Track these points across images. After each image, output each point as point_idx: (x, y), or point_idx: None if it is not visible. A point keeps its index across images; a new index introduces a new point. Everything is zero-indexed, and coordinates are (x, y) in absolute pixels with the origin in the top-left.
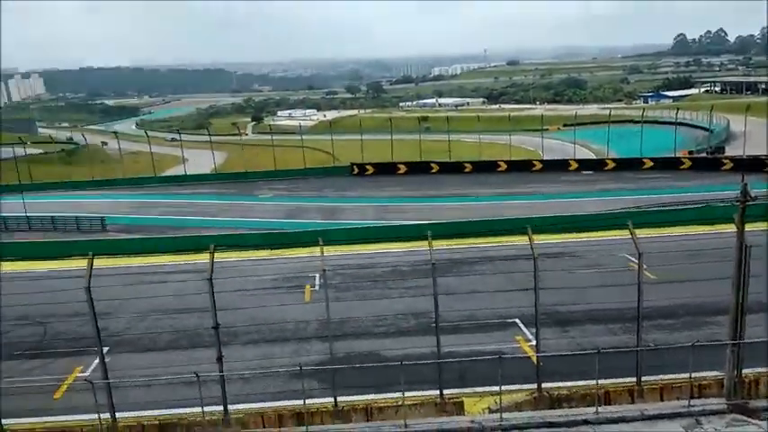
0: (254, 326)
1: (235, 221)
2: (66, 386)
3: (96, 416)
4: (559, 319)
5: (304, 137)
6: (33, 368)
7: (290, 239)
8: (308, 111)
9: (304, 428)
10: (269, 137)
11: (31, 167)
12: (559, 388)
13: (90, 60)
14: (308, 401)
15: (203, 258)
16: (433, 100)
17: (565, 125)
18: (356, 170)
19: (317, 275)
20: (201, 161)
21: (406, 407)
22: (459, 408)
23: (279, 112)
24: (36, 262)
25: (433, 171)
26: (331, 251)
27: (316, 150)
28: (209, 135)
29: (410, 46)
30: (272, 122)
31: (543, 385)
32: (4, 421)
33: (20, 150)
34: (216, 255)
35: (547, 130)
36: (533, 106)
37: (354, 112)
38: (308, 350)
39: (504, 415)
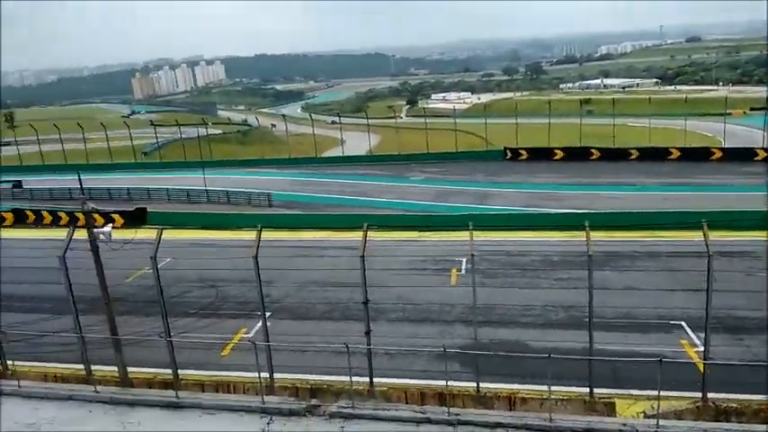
0: (400, 304)
1: (387, 202)
2: (232, 345)
3: (257, 374)
4: (733, 325)
5: (457, 120)
6: (205, 326)
7: (439, 222)
8: (462, 94)
9: (446, 409)
10: (422, 120)
11: (212, 146)
12: (728, 400)
13: (264, 48)
14: (450, 383)
15: (356, 236)
16: (598, 81)
17: (752, 109)
18: (509, 155)
19: (464, 260)
20: (358, 143)
21: (552, 401)
22: (610, 408)
23: (433, 96)
24: (212, 231)
25: (593, 157)
26: (480, 236)
27: (468, 134)
28: (366, 118)
29: (574, 23)
30: (426, 105)
31: (709, 395)
32: (179, 371)
33: (202, 131)
34: (368, 233)
35: (730, 114)
36: (715, 87)
37: (510, 94)
38: (451, 333)
39: (662, 422)
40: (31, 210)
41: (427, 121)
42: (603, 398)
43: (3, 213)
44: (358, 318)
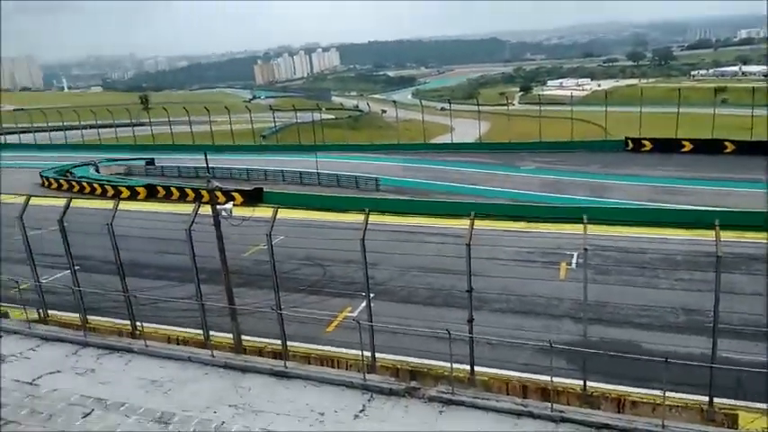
0: (504, 295)
1: (495, 191)
2: (336, 322)
3: (359, 352)
4: None
5: (575, 108)
6: (312, 302)
7: (550, 213)
8: (581, 80)
9: (548, 405)
10: (536, 107)
11: (325, 131)
12: None
13: (378, 34)
14: (554, 380)
15: (462, 224)
16: (735, 68)
17: None
18: (631, 145)
19: (576, 254)
20: (467, 130)
21: (666, 407)
22: (731, 420)
23: (549, 82)
24: (322, 212)
25: (727, 151)
26: (594, 230)
27: (586, 123)
28: (477, 105)
29: (711, 5)
30: (540, 92)
31: None
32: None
33: (316, 116)
34: (475, 222)
35: None
36: None
37: (634, 81)
38: (558, 328)
39: None
40: (161, 185)
41: (541, 108)
42: (725, 408)
43: (137, 188)
44: (460, 305)
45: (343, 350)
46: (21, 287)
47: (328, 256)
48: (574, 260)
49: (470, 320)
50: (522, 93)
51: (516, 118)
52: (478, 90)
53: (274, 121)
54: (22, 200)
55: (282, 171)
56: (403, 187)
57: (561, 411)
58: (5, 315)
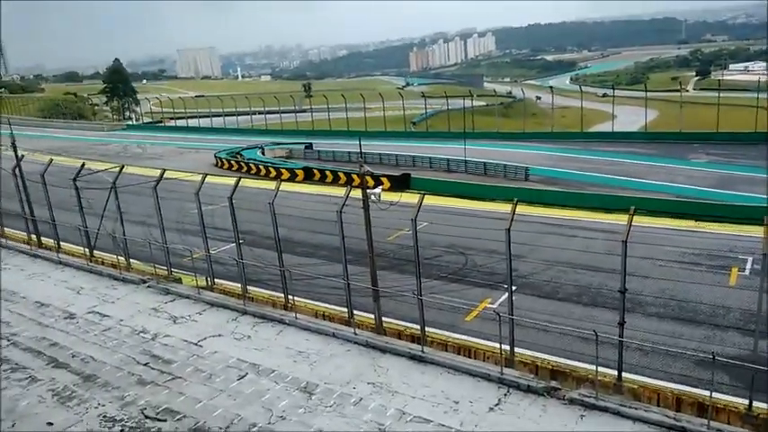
0: (662, 299)
1: (658, 185)
2: (476, 312)
3: (498, 345)
4: None
5: (761, 95)
6: (452, 290)
7: (722, 212)
8: None
9: (705, 422)
10: (715, 94)
11: (475, 118)
12: None
13: (538, 16)
14: (714, 395)
15: (616, 219)
16: None
17: None
18: None
19: (751, 259)
20: (631, 118)
21: None
22: None
23: (731, 66)
24: (467, 200)
25: None
26: None
27: None
28: (645, 90)
29: None
30: (721, 77)
31: None
32: (427, 328)
33: (467, 103)
34: (633, 218)
35: None
36: None
37: None
38: (722, 339)
39: None
40: (317, 169)
41: (721, 95)
42: None
43: (296, 170)
44: (610, 306)
45: (481, 341)
46: (193, 256)
47: (471, 244)
48: (748, 266)
49: (621, 323)
50: (698, 77)
51: (690, 105)
52: (647, 75)
53: (425, 108)
54: (199, 178)
55: (430, 158)
56: (554, 178)
57: (719, 430)
58: (179, 281)
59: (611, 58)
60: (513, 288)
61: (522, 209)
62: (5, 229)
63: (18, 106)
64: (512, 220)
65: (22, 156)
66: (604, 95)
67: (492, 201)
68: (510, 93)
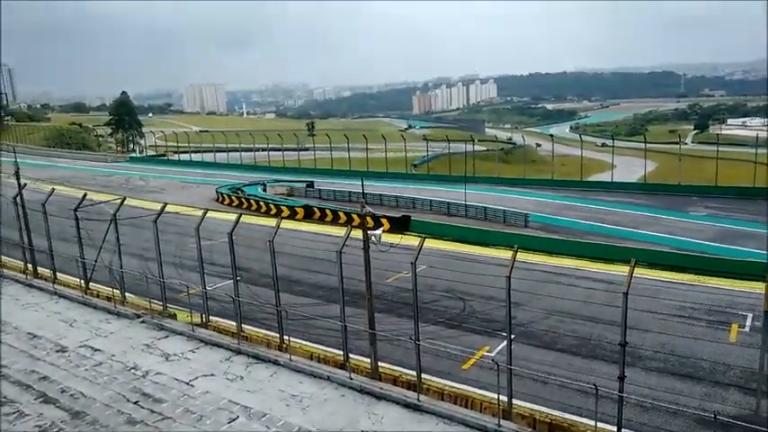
0: (661, 353)
1: (657, 237)
2: (473, 360)
3: (495, 395)
4: None
5: (760, 150)
6: (450, 336)
7: (722, 267)
8: None
9: None
10: (713, 147)
11: (476, 162)
12: None
13: (539, 66)
14: None
15: (616, 269)
16: None
17: None
18: None
19: (751, 315)
20: (630, 169)
21: None
22: None
23: (730, 120)
24: (467, 245)
25: None
26: None
27: None
28: (644, 142)
29: None
30: (719, 131)
31: None
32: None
33: (468, 147)
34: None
35: None
36: None
37: None
38: (723, 398)
39: None
40: (317, 207)
41: (720, 149)
42: None
43: (296, 208)
44: (609, 359)
45: (479, 390)
46: (189, 292)
47: (470, 290)
48: (748, 322)
49: (621, 377)
50: (696, 131)
51: (689, 158)
52: (646, 126)
53: (427, 151)
54: (199, 212)
55: (431, 200)
56: (554, 225)
57: None
58: (174, 317)
59: (610, 109)
60: (512, 336)
61: (521, 256)
62: (3, 257)
63: (24, 134)
64: (512, 266)
65: (25, 184)
66: (603, 145)
67: (492, 246)
68: (511, 139)
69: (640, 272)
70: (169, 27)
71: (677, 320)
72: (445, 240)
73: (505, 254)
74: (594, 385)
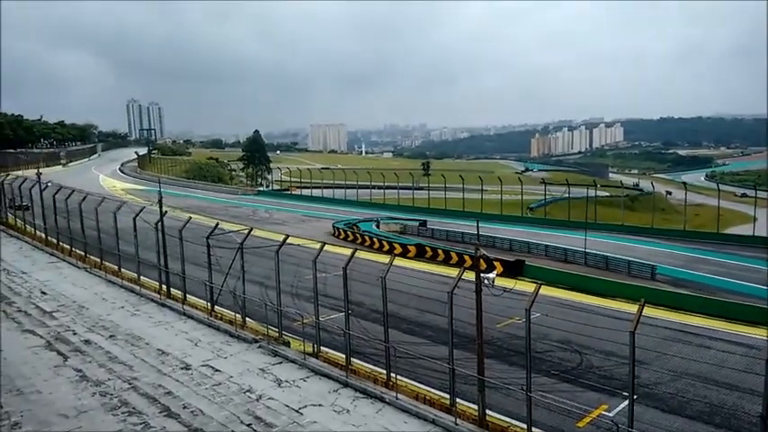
0: None
1: None
2: (589, 419)
3: None
4: None
5: None
6: (564, 390)
7: None
8: None
9: None
10: None
11: (597, 208)
12: None
13: (671, 110)
14: None
15: (756, 333)
16: None
17: None
18: None
19: None
20: None
21: None
22: None
23: None
24: (585, 295)
25: None
26: None
27: None
28: None
29: None
30: None
31: None
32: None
33: (590, 192)
34: None
35: None
36: None
37: None
38: None
39: None
40: (429, 246)
41: None
42: None
43: (409, 246)
44: (744, 430)
45: None
46: (303, 321)
47: (588, 343)
48: None
49: None
50: None
51: None
52: None
53: (545, 194)
54: (317, 245)
55: (546, 245)
56: (684, 280)
57: None
58: (288, 344)
59: (752, 157)
60: (635, 397)
61: (646, 310)
62: (142, 278)
63: (167, 167)
64: (637, 321)
65: (166, 211)
66: (744, 195)
67: (612, 298)
68: (637, 185)
69: None
70: (297, 69)
71: None
72: (561, 288)
73: (628, 307)
74: None
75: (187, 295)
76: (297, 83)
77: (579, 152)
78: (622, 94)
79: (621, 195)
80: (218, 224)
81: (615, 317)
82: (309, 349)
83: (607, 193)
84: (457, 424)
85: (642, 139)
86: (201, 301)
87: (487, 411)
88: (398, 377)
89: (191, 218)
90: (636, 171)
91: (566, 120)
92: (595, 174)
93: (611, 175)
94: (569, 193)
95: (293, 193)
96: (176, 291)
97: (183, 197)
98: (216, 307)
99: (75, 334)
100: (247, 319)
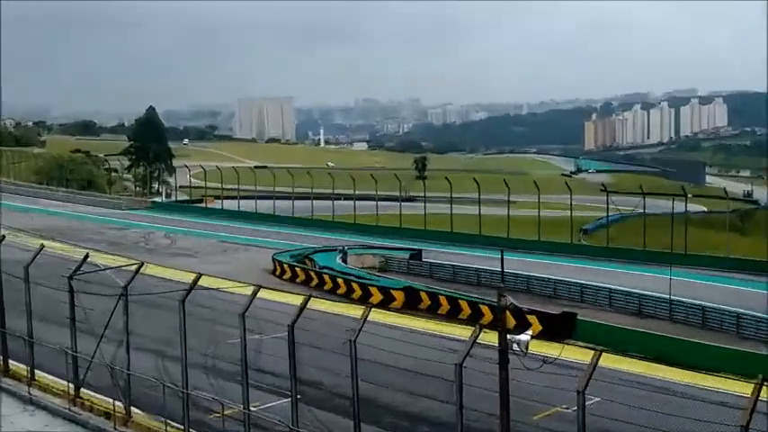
0: None
1: None
2: None
3: None
4: None
5: None
6: None
7: None
8: None
9: None
10: None
11: (689, 230)
12: None
13: None
14: None
15: None
16: None
17: None
18: None
19: None
20: None
21: None
22: None
23: None
24: (669, 368)
25: None
26: None
27: None
28: None
29: None
30: None
31: None
32: None
33: (678, 205)
34: None
35: None
36: None
37: None
38: None
39: None
40: (426, 291)
41: None
42: None
43: (393, 291)
44: None
45: None
46: (224, 413)
47: None
48: None
49: None
50: None
51: None
52: None
53: (607, 209)
54: (247, 291)
55: (610, 290)
56: None
57: None
58: None
59: None
60: None
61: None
62: None
63: (7, 164)
64: (752, 410)
65: (3, 237)
66: None
67: (714, 373)
68: (749, 194)
69: None
70: (219, 14)
71: None
72: (634, 358)
73: (739, 387)
74: None
75: (36, 371)
76: (218, 33)
77: (659, 143)
78: (727, 59)
79: (726, 211)
80: (87, 256)
81: (719, 401)
82: None
83: (704, 208)
84: None
85: (755, 124)
86: (60, 380)
87: None
88: None
89: (44, 246)
90: (747, 173)
91: (639, 92)
92: (686, 178)
93: (709, 178)
94: (644, 208)
95: (210, 206)
96: (18, 364)
97: (33, 212)
98: (83, 390)
99: None
100: (134, 409)
